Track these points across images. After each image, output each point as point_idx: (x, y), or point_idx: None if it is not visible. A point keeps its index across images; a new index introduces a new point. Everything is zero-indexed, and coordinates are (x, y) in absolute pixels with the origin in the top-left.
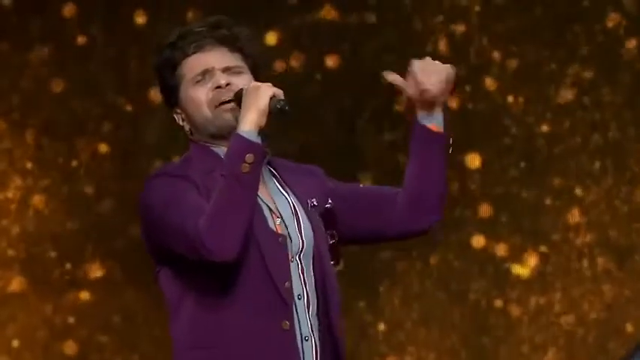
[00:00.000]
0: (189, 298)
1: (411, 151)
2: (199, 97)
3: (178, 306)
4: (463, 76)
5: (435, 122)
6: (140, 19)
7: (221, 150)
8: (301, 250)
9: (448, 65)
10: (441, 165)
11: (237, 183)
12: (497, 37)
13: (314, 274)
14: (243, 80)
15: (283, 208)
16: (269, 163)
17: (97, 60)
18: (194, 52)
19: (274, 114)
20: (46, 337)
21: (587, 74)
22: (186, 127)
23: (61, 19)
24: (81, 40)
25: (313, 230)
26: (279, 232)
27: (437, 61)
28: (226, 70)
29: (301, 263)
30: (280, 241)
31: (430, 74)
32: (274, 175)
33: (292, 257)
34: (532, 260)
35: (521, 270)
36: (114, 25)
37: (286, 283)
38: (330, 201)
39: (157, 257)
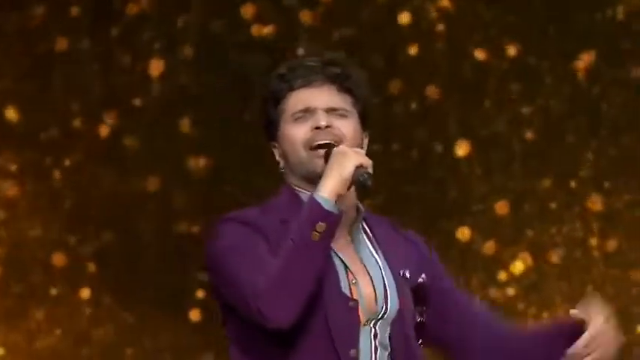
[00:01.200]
0: (246, 354)
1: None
2: (296, 135)
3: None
4: None
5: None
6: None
7: (308, 197)
8: (380, 317)
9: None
10: None
11: (305, 250)
12: None
13: (390, 343)
14: (347, 125)
15: (371, 268)
16: (364, 220)
17: None
18: (300, 87)
19: (355, 184)
20: None
21: None
22: (281, 164)
23: None
24: None
25: (399, 299)
26: (353, 295)
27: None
28: (330, 110)
29: (376, 330)
30: (351, 306)
31: (600, 344)
32: (366, 233)
33: (366, 322)
34: None
35: None
36: None
37: (352, 351)
38: (423, 276)
39: (221, 309)
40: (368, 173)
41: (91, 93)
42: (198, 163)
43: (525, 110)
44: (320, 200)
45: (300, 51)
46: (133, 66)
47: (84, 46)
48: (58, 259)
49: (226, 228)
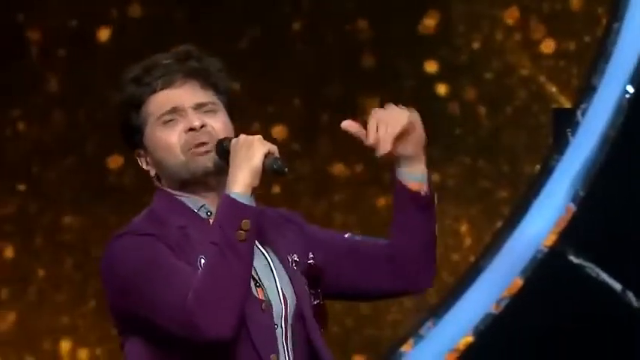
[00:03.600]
0: None
1: (393, 209)
2: (170, 140)
3: None
4: None
5: (413, 179)
6: None
7: (191, 201)
8: (283, 315)
9: (408, 112)
10: (425, 230)
11: (233, 253)
12: None
13: (298, 341)
14: (219, 120)
15: (260, 268)
16: None
17: None
18: (162, 88)
19: (269, 172)
20: None
21: None
22: (152, 172)
23: None
24: None
25: (295, 291)
26: (261, 297)
27: (397, 108)
28: (199, 107)
29: (285, 330)
30: (263, 308)
31: (388, 125)
32: None
33: (276, 324)
34: None
35: None
36: None
37: (271, 356)
38: (311, 255)
39: (124, 328)
40: (280, 159)
41: None
42: None
43: None
44: (237, 197)
45: None
46: None
47: None
48: None
49: (126, 244)
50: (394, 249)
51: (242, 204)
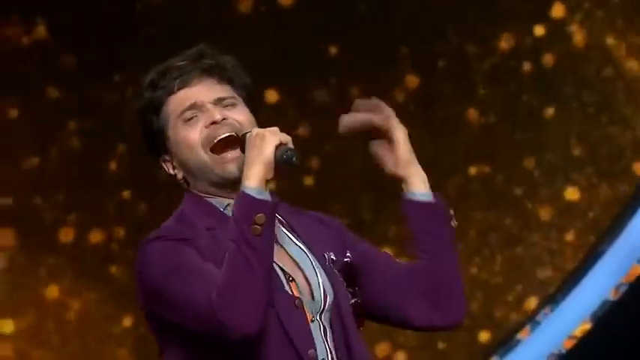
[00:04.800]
0: None
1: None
2: (192, 137)
3: None
4: None
5: (417, 196)
6: None
7: (218, 201)
8: (323, 309)
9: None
10: (446, 241)
11: (249, 248)
12: None
13: (336, 336)
14: (240, 113)
15: (302, 261)
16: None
17: None
18: (180, 88)
19: (280, 164)
20: None
21: None
22: (179, 176)
23: None
24: None
25: (333, 287)
26: (295, 293)
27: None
28: (218, 101)
29: (323, 323)
30: (297, 304)
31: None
32: (282, 223)
33: (313, 318)
34: None
35: None
36: None
37: (310, 351)
38: (348, 254)
39: (160, 334)
40: (290, 149)
41: None
42: None
43: None
44: (249, 191)
45: None
46: None
47: None
48: None
49: (155, 248)
50: (422, 270)
51: (255, 198)
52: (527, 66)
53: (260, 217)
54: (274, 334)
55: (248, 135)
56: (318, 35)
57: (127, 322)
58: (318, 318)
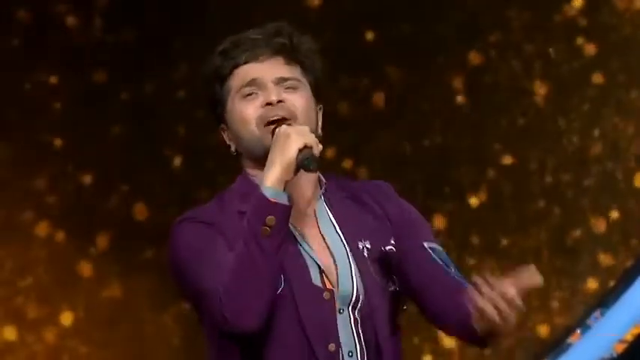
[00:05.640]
0: (224, 355)
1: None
2: (247, 112)
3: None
4: None
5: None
6: None
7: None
8: (355, 301)
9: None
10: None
11: (257, 248)
12: None
13: (366, 330)
14: (299, 97)
15: (338, 251)
16: (325, 193)
17: None
18: (246, 62)
19: (299, 167)
20: None
21: None
22: (232, 148)
23: None
24: None
25: (364, 280)
26: (327, 285)
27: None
28: (280, 82)
29: (355, 316)
30: (325, 297)
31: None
32: (330, 208)
33: (342, 309)
34: None
35: None
36: None
37: (330, 345)
38: (392, 241)
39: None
40: (310, 156)
41: None
42: None
43: None
44: (265, 192)
45: None
46: None
47: None
48: None
49: (183, 231)
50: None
51: (268, 200)
52: None
53: (271, 219)
54: (292, 329)
55: (276, 131)
56: None
57: None
58: (349, 310)
